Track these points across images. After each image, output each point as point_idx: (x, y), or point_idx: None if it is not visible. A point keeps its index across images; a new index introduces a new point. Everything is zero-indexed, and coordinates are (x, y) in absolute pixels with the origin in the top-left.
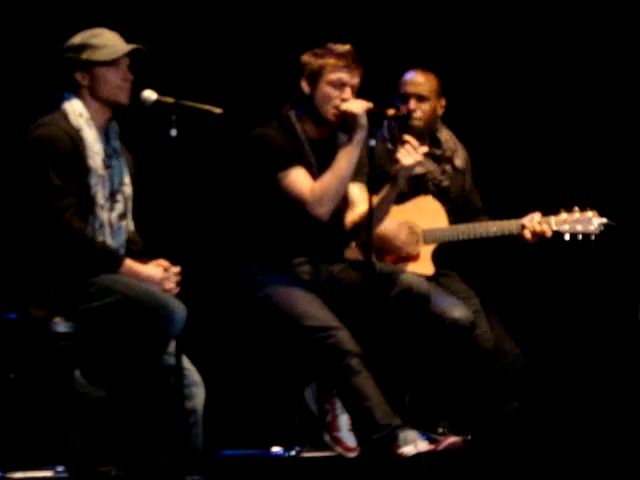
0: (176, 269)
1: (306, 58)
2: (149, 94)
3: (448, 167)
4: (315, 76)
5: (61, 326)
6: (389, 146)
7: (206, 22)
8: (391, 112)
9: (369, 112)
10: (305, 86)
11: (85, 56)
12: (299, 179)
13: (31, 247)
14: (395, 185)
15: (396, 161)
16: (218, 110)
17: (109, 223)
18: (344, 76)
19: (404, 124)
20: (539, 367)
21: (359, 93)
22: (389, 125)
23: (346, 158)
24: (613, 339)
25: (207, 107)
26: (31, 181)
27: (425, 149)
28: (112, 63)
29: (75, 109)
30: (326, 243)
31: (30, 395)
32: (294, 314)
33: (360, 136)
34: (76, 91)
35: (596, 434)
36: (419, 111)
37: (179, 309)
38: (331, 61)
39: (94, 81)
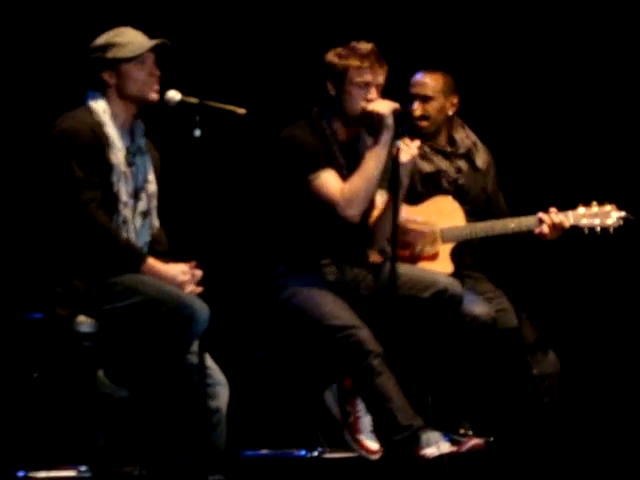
0: (198, 272)
1: (330, 58)
2: (173, 94)
3: (463, 164)
4: (340, 78)
5: (85, 326)
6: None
7: (230, 22)
8: (417, 113)
9: (395, 113)
10: (330, 88)
11: (111, 55)
12: (330, 181)
13: (54, 242)
14: (399, 184)
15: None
16: (242, 110)
17: (132, 221)
18: (368, 77)
19: (414, 125)
20: (567, 367)
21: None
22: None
23: (374, 159)
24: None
25: (231, 107)
26: (54, 174)
27: (418, 143)
28: (138, 59)
29: (99, 106)
30: (353, 245)
31: (54, 395)
32: (317, 314)
33: (387, 137)
34: (103, 91)
35: (622, 437)
36: (422, 112)
37: (202, 309)
38: (355, 62)
39: (121, 79)
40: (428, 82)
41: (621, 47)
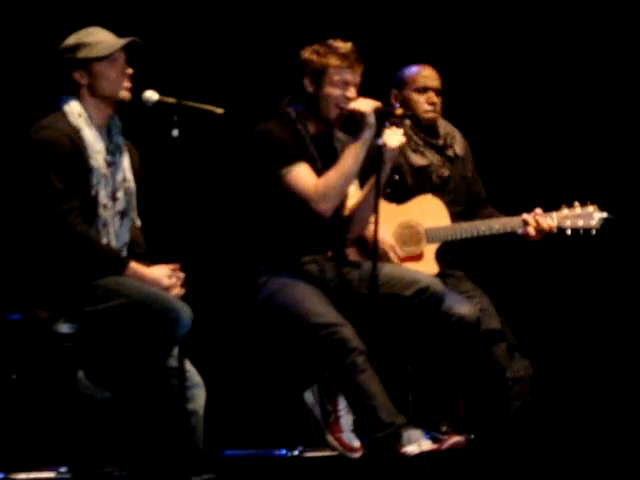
0: (181, 274)
1: (307, 56)
2: (150, 94)
3: (450, 152)
4: (318, 76)
5: (64, 327)
6: None
7: (205, 21)
8: (399, 112)
9: (377, 111)
10: (308, 85)
11: (82, 54)
12: (303, 175)
13: (35, 249)
14: (382, 170)
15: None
16: (220, 110)
17: (112, 222)
18: (348, 76)
19: (415, 120)
20: (544, 366)
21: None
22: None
23: (352, 156)
24: (618, 333)
25: (209, 107)
26: (33, 185)
27: (402, 131)
28: (109, 58)
29: (74, 110)
30: (331, 242)
31: (33, 396)
32: (300, 311)
33: (368, 135)
34: (75, 92)
35: (600, 434)
36: (437, 105)
37: (185, 312)
38: (334, 61)
39: (93, 79)
40: (438, 77)
41: (603, 47)
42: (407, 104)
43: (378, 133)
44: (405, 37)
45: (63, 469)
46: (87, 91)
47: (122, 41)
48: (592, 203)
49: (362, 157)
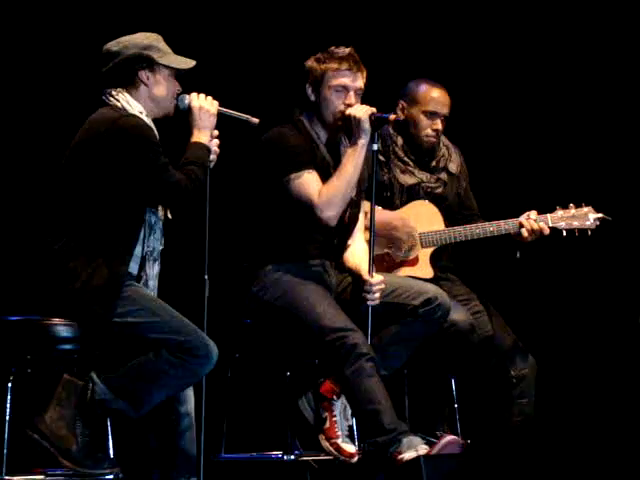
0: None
1: (309, 64)
2: (190, 99)
3: (443, 175)
4: (318, 82)
5: (63, 330)
6: (381, 158)
7: (213, 26)
8: (393, 117)
9: (372, 117)
10: (310, 93)
11: (157, 57)
12: (309, 182)
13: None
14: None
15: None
16: (255, 120)
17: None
18: (346, 81)
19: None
20: (542, 366)
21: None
22: (382, 136)
23: (351, 162)
24: (613, 334)
25: (245, 116)
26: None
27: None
28: (173, 71)
29: (134, 107)
30: (336, 248)
31: (29, 398)
32: (312, 312)
33: (364, 141)
34: (130, 89)
35: (598, 436)
36: (440, 131)
37: (216, 352)
38: (333, 66)
39: (155, 84)
40: (449, 103)
41: (597, 49)
42: (411, 121)
43: (373, 139)
44: (404, 45)
45: (59, 471)
46: (147, 92)
47: (192, 62)
48: (587, 204)
49: (361, 162)
